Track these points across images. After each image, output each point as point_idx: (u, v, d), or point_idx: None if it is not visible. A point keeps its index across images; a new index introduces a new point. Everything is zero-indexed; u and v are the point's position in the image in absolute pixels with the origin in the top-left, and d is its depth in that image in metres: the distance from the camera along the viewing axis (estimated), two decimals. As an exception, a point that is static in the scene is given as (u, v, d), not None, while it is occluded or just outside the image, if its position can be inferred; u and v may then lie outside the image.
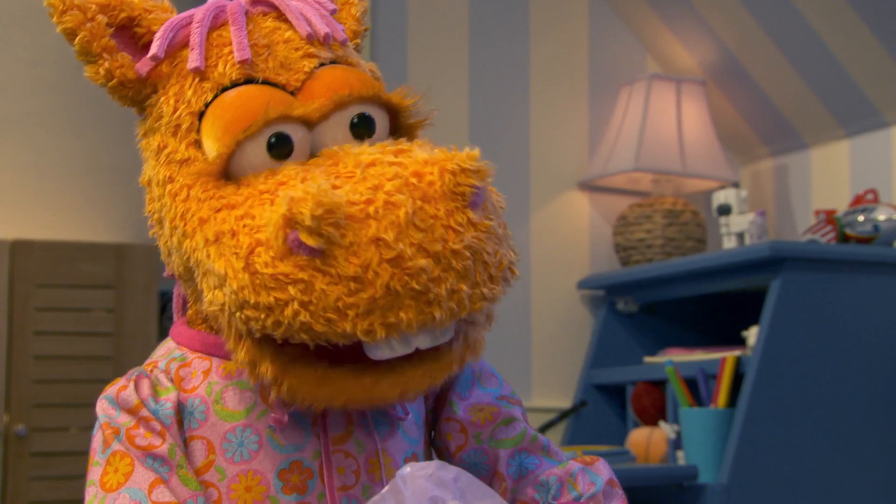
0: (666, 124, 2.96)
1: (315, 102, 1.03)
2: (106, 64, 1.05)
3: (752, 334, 2.52)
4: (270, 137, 1.00)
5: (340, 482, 1.03)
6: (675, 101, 2.97)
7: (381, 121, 1.06)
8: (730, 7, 2.89)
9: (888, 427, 2.47)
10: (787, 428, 2.39)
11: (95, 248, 3.19)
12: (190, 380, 1.05)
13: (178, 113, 1.05)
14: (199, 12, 1.07)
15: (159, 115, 1.06)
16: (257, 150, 1.01)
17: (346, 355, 0.96)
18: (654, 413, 2.74)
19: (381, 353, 0.95)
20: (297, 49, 1.06)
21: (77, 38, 1.04)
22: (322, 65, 1.06)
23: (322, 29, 1.07)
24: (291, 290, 0.91)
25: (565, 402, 2.96)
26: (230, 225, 0.96)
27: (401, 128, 1.08)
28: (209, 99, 1.04)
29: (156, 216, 1.07)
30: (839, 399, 2.44)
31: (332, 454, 1.04)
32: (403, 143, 1.01)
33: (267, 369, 0.96)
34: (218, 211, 0.98)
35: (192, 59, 1.04)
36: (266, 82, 1.04)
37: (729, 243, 2.76)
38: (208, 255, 0.97)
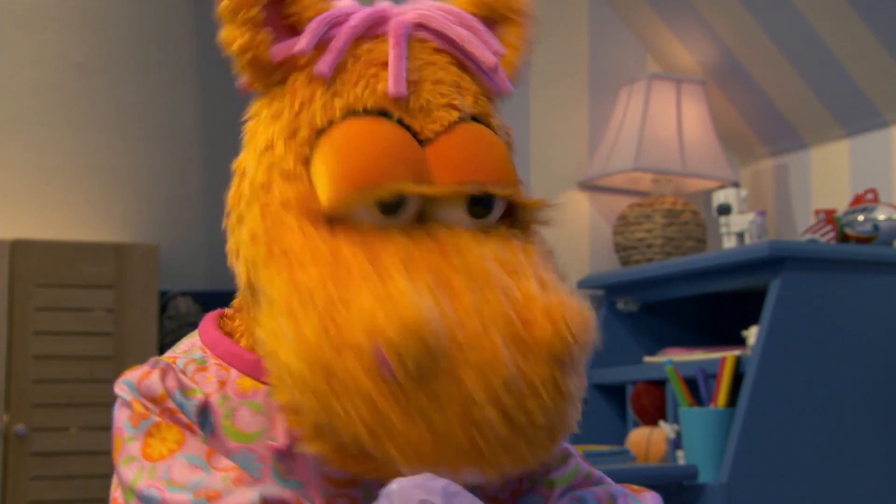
0: (666, 124, 2.96)
1: (450, 188, 0.94)
2: (246, 37, 0.96)
3: (751, 334, 2.52)
4: (390, 199, 0.93)
5: None
6: (675, 100, 2.97)
7: (502, 204, 0.99)
8: (730, 7, 2.89)
9: (888, 427, 2.47)
10: (787, 427, 2.40)
11: (95, 248, 3.19)
12: (204, 385, 0.99)
13: (298, 120, 0.96)
14: (356, 16, 0.98)
15: (278, 112, 0.97)
16: (369, 212, 0.93)
17: None
18: (653, 413, 2.75)
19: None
20: (443, 95, 0.97)
21: (225, 1, 0.96)
22: (462, 118, 0.98)
23: (492, 59, 0.99)
24: (362, 408, 0.85)
25: (565, 402, 2.96)
26: (318, 296, 0.88)
27: (518, 213, 1.01)
28: (336, 118, 0.95)
29: (237, 210, 0.98)
30: (839, 399, 2.44)
31: (336, 497, 0.98)
32: (518, 255, 0.94)
33: (301, 423, 0.90)
34: (310, 263, 0.90)
35: (324, 62, 0.96)
36: (400, 122, 0.95)
37: (729, 243, 2.76)
38: (283, 310, 0.89)
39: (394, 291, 0.86)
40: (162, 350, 3.64)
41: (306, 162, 0.95)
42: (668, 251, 2.91)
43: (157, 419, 0.96)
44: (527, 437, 0.88)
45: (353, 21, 0.97)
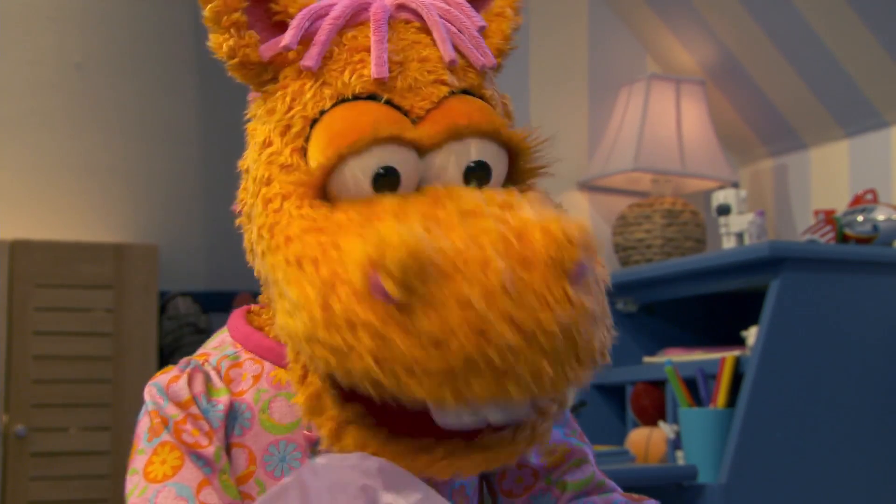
0: (665, 124, 2.96)
1: (429, 129, 0.96)
2: (231, 41, 0.98)
3: (751, 334, 2.52)
4: (379, 169, 0.94)
5: None
6: (675, 101, 2.97)
7: (498, 163, 0.99)
8: (729, 7, 2.90)
9: (887, 427, 2.47)
10: (787, 428, 2.40)
11: (95, 249, 3.19)
12: (239, 382, 1.01)
13: (291, 113, 0.98)
14: (338, 6, 1.00)
15: (272, 109, 1.00)
16: (361, 176, 0.94)
17: (408, 418, 0.89)
18: (653, 413, 2.75)
19: (448, 420, 0.88)
20: (430, 72, 0.98)
21: (209, 6, 0.98)
22: (452, 93, 0.99)
23: (450, 55, 0.99)
24: (364, 338, 0.85)
25: (565, 402, 2.96)
26: (313, 251, 0.89)
27: (517, 171, 1.01)
28: (326, 107, 0.97)
29: (246, 209, 1.01)
30: (838, 399, 2.44)
31: None
32: (513, 196, 0.93)
33: (324, 424, 0.91)
34: (306, 232, 0.92)
35: (310, 56, 0.97)
36: (389, 103, 0.97)
37: (728, 243, 2.76)
38: (286, 278, 0.91)
39: (381, 228, 0.87)
40: (161, 350, 3.64)
41: (303, 153, 0.97)
42: (667, 251, 2.91)
43: (167, 437, 0.98)
44: (544, 350, 0.85)
45: (336, 11, 0.99)
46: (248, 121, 1.04)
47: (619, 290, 2.93)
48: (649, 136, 2.93)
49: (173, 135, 3.65)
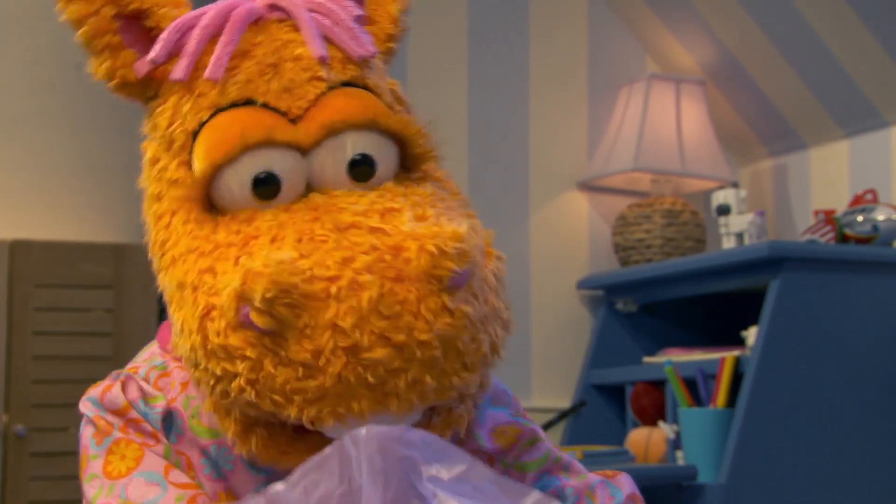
0: (665, 124, 2.96)
1: (305, 128, 0.95)
2: (107, 63, 0.98)
3: (751, 334, 2.52)
4: (259, 174, 0.93)
5: None
6: (675, 101, 2.97)
7: (384, 154, 0.97)
8: (729, 8, 2.89)
9: (887, 427, 2.47)
10: (786, 428, 2.40)
11: (95, 249, 3.19)
12: (168, 390, 1.01)
13: (172, 128, 0.98)
14: (206, 15, 0.99)
15: (156, 125, 1.00)
16: (241, 185, 0.94)
17: None
18: (653, 413, 2.75)
19: (333, 434, 0.88)
20: (305, 70, 0.97)
21: (80, 31, 0.98)
22: (332, 88, 0.98)
23: (317, 51, 0.98)
24: (239, 365, 0.86)
25: (564, 403, 2.96)
26: (192, 277, 0.91)
27: (408, 158, 0.99)
28: (205, 118, 0.96)
29: (146, 228, 1.02)
30: (838, 399, 2.44)
31: None
32: (397, 200, 0.93)
33: (230, 427, 0.92)
34: (189, 253, 0.93)
35: (178, 68, 0.97)
36: (266, 106, 0.96)
37: (728, 243, 2.76)
38: (171, 303, 0.93)
39: (254, 252, 0.88)
40: (161, 350, 3.63)
41: (189, 166, 0.97)
42: (667, 251, 2.91)
43: (119, 435, 0.98)
44: (422, 363, 0.86)
45: (204, 21, 0.98)
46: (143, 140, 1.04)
47: (618, 290, 2.93)
48: (649, 136, 2.93)
49: (173, 135, 3.64)
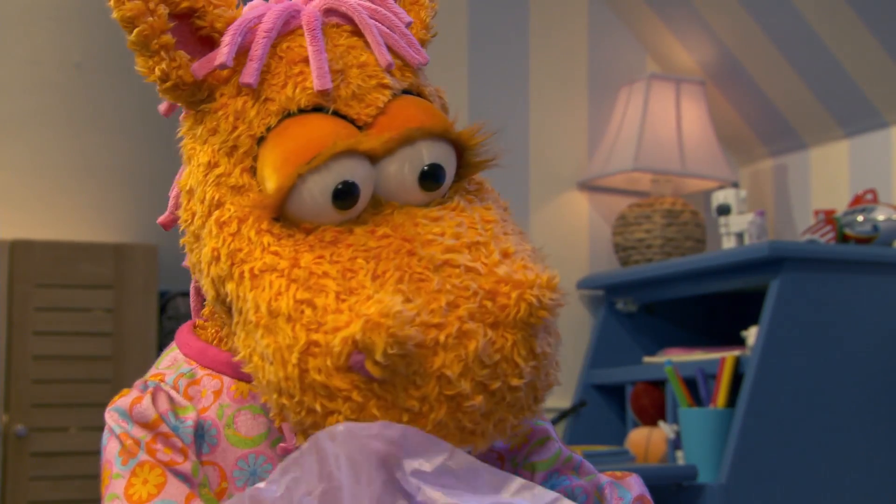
0: (665, 124, 2.96)
1: (382, 136, 0.94)
2: (163, 64, 0.95)
3: (751, 334, 2.52)
4: (338, 185, 0.92)
5: None
6: (675, 101, 2.97)
7: (449, 163, 0.98)
8: (729, 7, 2.90)
9: (887, 426, 2.47)
10: (787, 428, 2.40)
11: (95, 248, 3.19)
12: (199, 399, 0.99)
13: (236, 133, 0.96)
14: (268, 17, 0.97)
15: (214, 128, 0.97)
16: (322, 193, 0.93)
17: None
18: (653, 413, 2.75)
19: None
20: (370, 77, 0.97)
21: (136, 31, 0.95)
22: (395, 95, 0.98)
23: (386, 59, 0.98)
24: (342, 405, 0.87)
25: (565, 402, 2.96)
26: (287, 306, 0.89)
27: (463, 166, 1.00)
28: (273, 124, 0.95)
29: (192, 229, 0.98)
30: (838, 399, 2.44)
31: None
32: (479, 233, 0.93)
33: (301, 440, 0.91)
34: (273, 273, 0.90)
35: (248, 73, 0.95)
36: (336, 113, 0.95)
37: (728, 243, 2.76)
38: (256, 325, 0.90)
39: (357, 291, 0.88)
40: (161, 350, 3.63)
41: (253, 172, 0.95)
42: (667, 251, 2.91)
43: (144, 457, 0.96)
44: (509, 405, 0.89)
45: (267, 24, 0.97)
46: (182, 138, 1.02)
47: (618, 290, 2.93)
48: (649, 136, 2.93)
49: (173, 135, 3.64)
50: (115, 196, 3.46)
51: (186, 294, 3.48)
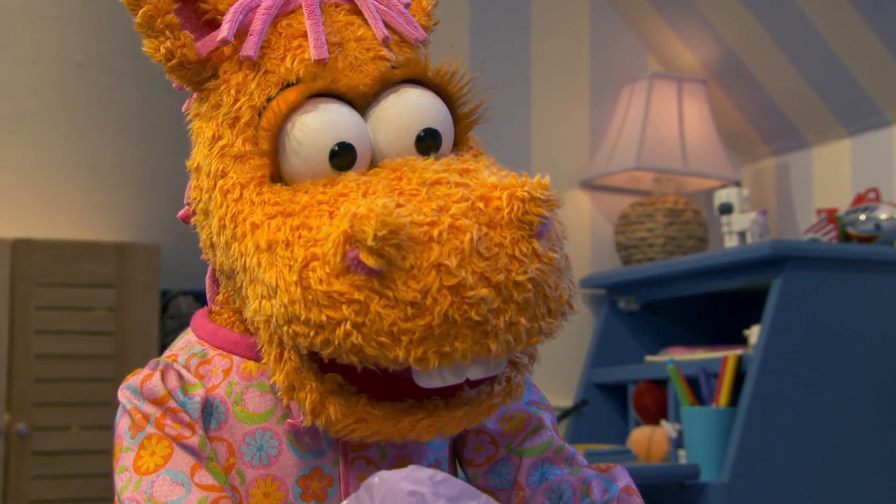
0: (667, 123, 2.96)
1: (358, 76, 0.99)
2: (168, 42, 0.99)
3: (753, 333, 2.52)
4: (333, 146, 0.97)
5: None
6: (677, 99, 2.97)
7: (447, 128, 1.03)
8: (731, 6, 2.89)
9: (889, 426, 2.47)
10: (789, 427, 2.39)
11: (97, 247, 3.19)
12: (210, 378, 1.02)
13: (238, 105, 1.00)
14: None
15: (217, 103, 1.01)
16: (318, 157, 0.97)
17: (387, 385, 0.94)
18: (655, 412, 2.74)
19: (431, 381, 0.91)
20: (368, 49, 1.02)
21: (141, 12, 0.99)
22: (392, 67, 1.02)
23: (382, 32, 1.02)
24: (345, 309, 0.88)
25: (566, 402, 2.96)
26: (285, 234, 0.92)
27: (456, 121, 1.05)
28: (273, 94, 0.99)
29: (201, 206, 1.03)
30: (840, 398, 2.44)
31: (354, 461, 1.01)
32: (469, 162, 0.97)
33: (306, 398, 0.94)
34: (272, 217, 0.94)
35: (248, 46, 0.99)
36: (333, 95, 1.00)
37: (730, 242, 2.76)
38: (259, 264, 0.93)
39: (353, 204, 0.90)
40: (163, 349, 3.64)
41: (255, 142, 0.99)
42: (669, 250, 2.91)
43: (152, 430, 0.99)
44: (518, 305, 0.89)
45: (268, 2, 1.01)
46: (191, 121, 1.06)
47: (620, 289, 2.93)
48: (651, 135, 2.93)
49: (175, 133, 3.64)
50: (117, 195, 3.46)
51: (188, 293, 3.48)
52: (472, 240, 0.88)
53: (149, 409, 1.00)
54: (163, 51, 1.00)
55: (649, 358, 2.83)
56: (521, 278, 0.89)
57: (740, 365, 2.46)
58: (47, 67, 3.42)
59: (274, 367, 0.95)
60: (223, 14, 1.01)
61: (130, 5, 0.99)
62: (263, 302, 0.93)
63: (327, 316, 0.89)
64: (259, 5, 1.01)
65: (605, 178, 3.02)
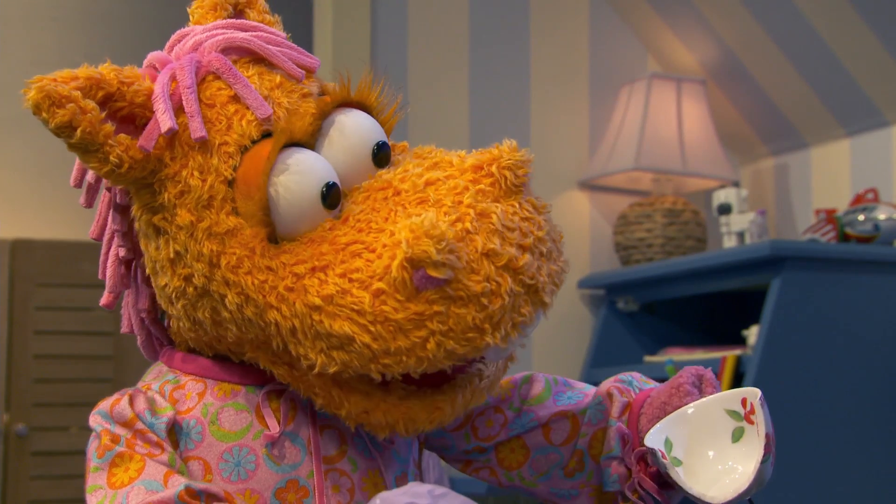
0: (666, 123, 2.96)
1: (300, 120, 1.02)
2: (116, 150, 0.99)
3: (752, 333, 2.52)
4: (321, 189, 1.00)
5: (336, 500, 1.04)
6: (676, 100, 2.97)
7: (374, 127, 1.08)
8: (730, 6, 2.89)
9: (889, 426, 2.47)
10: (787, 427, 2.39)
11: (96, 248, 3.20)
12: (184, 401, 1.05)
13: (208, 184, 1.00)
14: (181, 75, 1.03)
15: (182, 191, 1.01)
16: (312, 204, 1.00)
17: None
18: (654, 412, 2.74)
19: (504, 353, 1.00)
20: (291, 91, 1.05)
21: (79, 132, 0.99)
22: (315, 97, 1.06)
23: (298, 72, 1.06)
24: (430, 325, 0.93)
25: (566, 402, 2.96)
26: (335, 285, 0.95)
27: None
28: (237, 162, 1.01)
29: (191, 291, 1.03)
30: (839, 398, 2.44)
31: (328, 473, 1.04)
32: (431, 156, 1.03)
33: (353, 404, 1.00)
34: (303, 277, 0.97)
35: (195, 128, 1.00)
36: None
37: (729, 242, 2.76)
38: (319, 322, 0.96)
39: (396, 230, 0.95)
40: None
41: (237, 213, 1.00)
42: (668, 251, 2.91)
43: (122, 449, 1.01)
44: (544, 255, 0.99)
45: (185, 80, 1.02)
46: (138, 214, 1.05)
47: (619, 289, 2.93)
48: (650, 136, 2.93)
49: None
50: (116, 195, 3.47)
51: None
52: (498, 218, 0.96)
53: (119, 430, 1.02)
54: (113, 159, 0.99)
55: (648, 358, 2.83)
56: (541, 234, 0.98)
57: (739, 365, 2.46)
58: (48, 68, 3.42)
59: (331, 401, 1.00)
60: (140, 106, 1.02)
61: (63, 129, 1.00)
62: (333, 353, 0.96)
63: (417, 337, 0.94)
64: (178, 85, 1.02)
65: (604, 178, 3.02)
